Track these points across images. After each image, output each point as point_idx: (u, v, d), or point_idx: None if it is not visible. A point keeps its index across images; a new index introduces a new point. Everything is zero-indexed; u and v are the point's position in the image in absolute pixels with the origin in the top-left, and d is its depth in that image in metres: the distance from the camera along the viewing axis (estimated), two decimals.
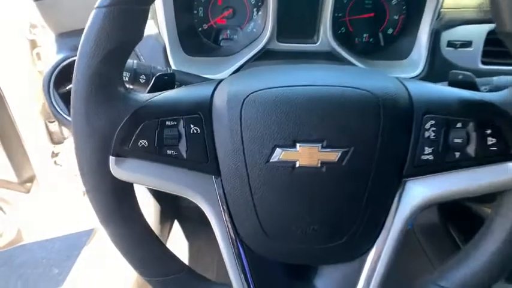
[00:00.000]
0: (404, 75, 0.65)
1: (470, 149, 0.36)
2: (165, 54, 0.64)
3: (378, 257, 0.38)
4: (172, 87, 0.41)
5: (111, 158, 0.37)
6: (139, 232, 0.42)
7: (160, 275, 0.43)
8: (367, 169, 0.35)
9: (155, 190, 0.47)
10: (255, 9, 0.70)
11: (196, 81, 0.52)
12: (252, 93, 0.35)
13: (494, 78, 0.49)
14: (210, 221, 0.39)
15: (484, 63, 0.65)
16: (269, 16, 0.65)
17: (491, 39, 0.63)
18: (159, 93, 0.38)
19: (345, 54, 0.66)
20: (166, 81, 0.43)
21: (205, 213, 0.39)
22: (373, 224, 0.38)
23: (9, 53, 0.98)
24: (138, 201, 0.41)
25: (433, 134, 0.35)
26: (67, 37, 0.65)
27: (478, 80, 0.41)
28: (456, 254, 0.41)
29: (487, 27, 0.64)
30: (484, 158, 0.35)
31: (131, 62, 0.50)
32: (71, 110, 0.36)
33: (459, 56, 0.65)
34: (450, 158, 0.35)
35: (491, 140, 0.36)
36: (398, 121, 0.35)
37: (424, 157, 0.35)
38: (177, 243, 1.15)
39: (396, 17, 0.70)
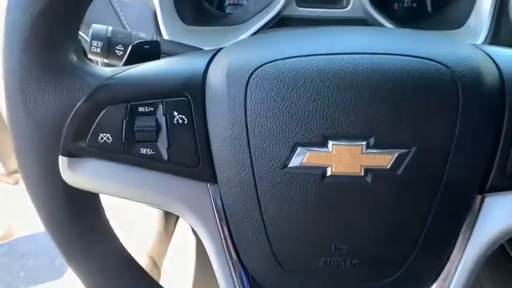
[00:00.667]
0: None
1: None
2: (156, 22, 0.58)
3: None
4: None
5: (62, 159, 0.32)
6: (114, 265, 0.38)
7: None
8: (435, 179, 0.30)
9: None
10: None
11: None
12: (262, 65, 0.30)
13: None
14: (204, 243, 0.35)
15: None
16: None
17: None
18: (130, 66, 0.33)
19: (383, 21, 0.60)
20: (147, 51, 0.38)
21: (197, 232, 0.35)
22: (436, 256, 0.33)
23: None
24: None
25: None
26: None
27: None
28: None
29: None
30: None
31: (104, 28, 0.44)
32: (4, 92, 0.31)
33: None
34: None
35: None
36: (484, 108, 0.29)
37: None
38: (183, 239, 1.10)
39: None
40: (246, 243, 0.34)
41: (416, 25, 0.63)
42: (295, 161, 0.30)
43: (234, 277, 0.35)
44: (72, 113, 0.31)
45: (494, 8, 0.58)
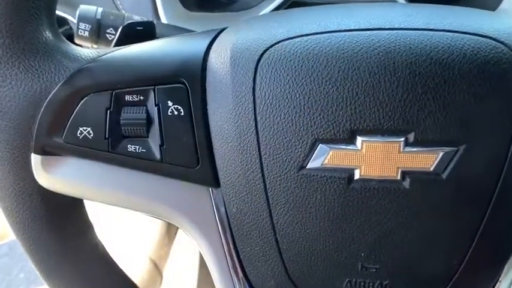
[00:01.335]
0: None
1: None
2: (154, 6, 0.56)
3: None
4: None
5: (34, 158, 0.30)
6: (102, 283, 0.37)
7: None
8: (488, 185, 0.27)
9: None
10: None
11: None
12: (274, 44, 0.27)
13: None
14: (204, 256, 0.33)
15: None
16: None
17: None
18: (116, 48, 0.31)
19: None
20: (140, 33, 0.37)
21: (197, 243, 0.33)
22: (485, 276, 0.31)
23: None
24: None
25: None
26: None
27: None
28: None
29: None
30: None
31: (93, 8, 0.42)
32: None
33: None
34: None
35: None
36: None
37: None
38: (185, 241, 1.11)
39: None
40: (253, 258, 0.32)
41: None
42: (315, 162, 0.28)
43: None
44: (46, 102, 0.29)
45: None
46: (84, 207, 0.34)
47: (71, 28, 0.55)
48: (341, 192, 0.28)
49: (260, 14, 0.58)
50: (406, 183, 0.27)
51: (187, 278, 1.02)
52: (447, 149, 0.26)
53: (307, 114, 0.27)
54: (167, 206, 0.32)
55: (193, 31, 0.47)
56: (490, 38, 0.26)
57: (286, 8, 0.59)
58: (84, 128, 0.29)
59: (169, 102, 0.29)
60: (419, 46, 0.25)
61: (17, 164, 0.30)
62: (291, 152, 0.27)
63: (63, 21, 0.54)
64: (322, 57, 0.26)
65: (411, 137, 0.26)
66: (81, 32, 0.41)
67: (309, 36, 0.27)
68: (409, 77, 0.25)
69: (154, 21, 0.42)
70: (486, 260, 0.29)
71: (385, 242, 0.29)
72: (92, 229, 0.35)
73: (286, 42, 0.27)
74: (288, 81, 0.27)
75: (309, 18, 0.30)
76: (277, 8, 0.57)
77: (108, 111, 0.29)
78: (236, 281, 0.32)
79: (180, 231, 1.12)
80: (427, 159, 0.26)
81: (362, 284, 0.30)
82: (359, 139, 0.26)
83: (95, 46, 0.43)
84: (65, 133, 0.30)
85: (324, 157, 0.27)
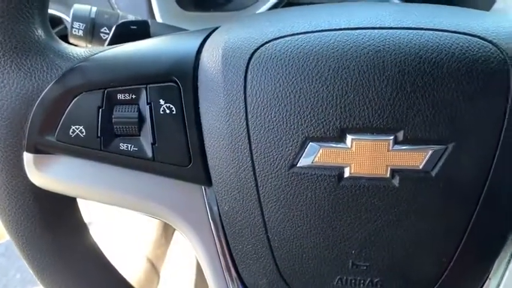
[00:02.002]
0: None
1: None
2: (149, 6, 0.56)
3: None
4: None
5: (27, 156, 0.30)
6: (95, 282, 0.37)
7: None
8: (477, 183, 0.27)
9: None
10: None
11: None
12: (265, 43, 0.28)
13: None
14: (197, 255, 0.33)
15: None
16: None
17: None
18: (109, 47, 0.31)
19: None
20: (134, 32, 0.37)
21: (190, 242, 0.33)
22: (474, 274, 0.31)
23: None
24: None
25: None
26: None
27: None
28: None
29: None
30: None
31: (87, 8, 0.42)
32: None
33: None
34: None
35: None
36: None
37: None
38: (183, 241, 1.12)
39: None
40: (246, 257, 0.32)
41: None
42: (305, 160, 0.28)
43: None
44: (38, 100, 0.29)
45: None
46: (77, 206, 0.34)
47: (66, 28, 0.55)
48: (331, 190, 0.28)
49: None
50: (396, 181, 0.27)
51: (184, 278, 1.02)
52: (436, 147, 0.26)
53: (298, 112, 0.27)
54: (160, 205, 0.32)
55: (188, 30, 0.47)
56: (479, 37, 0.26)
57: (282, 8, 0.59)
58: (77, 126, 0.29)
59: (161, 100, 0.29)
60: (409, 45, 0.26)
61: (9, 163, 0.30)
62: (282, 150, 0.27)
63: (58, 21, 0.54)
64: (313, 55, 0.26)
65: (400, 135, 0.26)
66: (75, 31, 0.41)
67: (300, 35, 0.27)
68: (398, 75, 0.25)
69: (149, 21, 0.42)
70: (476, 257, 0.29)
71: (375, 239, 0.29)
72: (85, 228, 0.35)
73: (277, 41, 0.27)
74: (279, 79, 0.27)
75: (300, 17, 0.30)
76: (272, 8, 0.57)
77: (100, 110, 0.29)
78: (229, 279, 0.32)
79: (177, 231, 1.13)
80: (416, 157, 0.26)
81: (353, 281, 0.30)
82: (349, 137, 0.26)
83: (89, 45, 0.43)
84: (57, 132, 0.30)
85: (314, 155, 0.27)
